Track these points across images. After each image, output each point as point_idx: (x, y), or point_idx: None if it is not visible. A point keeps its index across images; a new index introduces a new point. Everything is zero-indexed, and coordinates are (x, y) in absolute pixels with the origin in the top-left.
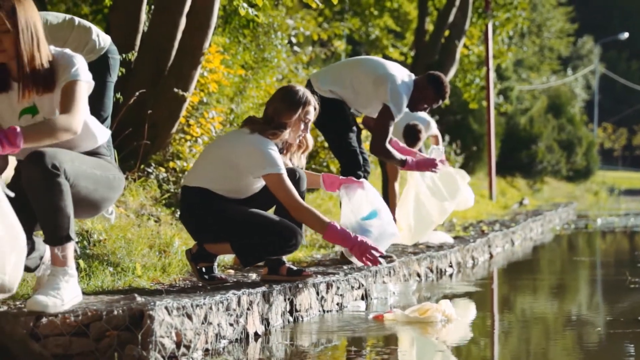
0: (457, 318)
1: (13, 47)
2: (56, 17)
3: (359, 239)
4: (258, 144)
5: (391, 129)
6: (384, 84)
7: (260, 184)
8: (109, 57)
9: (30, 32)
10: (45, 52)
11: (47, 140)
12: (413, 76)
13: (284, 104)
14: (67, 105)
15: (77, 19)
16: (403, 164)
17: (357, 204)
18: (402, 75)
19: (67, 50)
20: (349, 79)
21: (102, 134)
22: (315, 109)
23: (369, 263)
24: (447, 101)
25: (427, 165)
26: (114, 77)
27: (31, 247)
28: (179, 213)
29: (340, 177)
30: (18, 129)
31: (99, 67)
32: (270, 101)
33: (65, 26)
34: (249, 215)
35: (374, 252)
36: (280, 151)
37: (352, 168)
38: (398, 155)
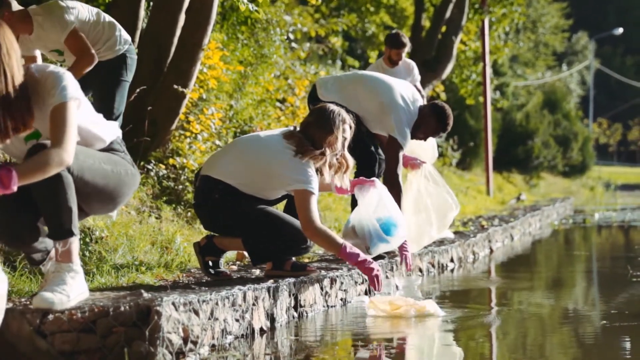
0: (442, 315)
1: None
2: (87, 10)
3: (367, 263)
4: (300, 164)
5: (401, 156)
6: (388, 114)
7: (285, 192)
8: (127, 57)
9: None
10: (18, 82)
11: (41, 177)
12: (419, 102)
13: (321, 126)
14: (57, 135)
15: (102, 14)
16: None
17: (371, 204)
18: (408, 102)
19: (51, 68)
20: (355, 97)
21: (109, 133)
22: (351, 127)
23: (373, 283)
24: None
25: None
26: (129, 77)
27: (35, 238)
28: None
29: (351, 179)
30: (13, 172)
31: (116, 65)
32: (307, 123)
33: (93, 22)
34: (264, 215)
35: (378, 277)
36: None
37: (368, 163)
38: (399, 197)
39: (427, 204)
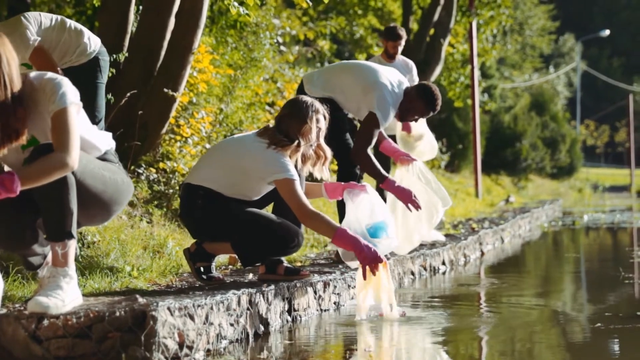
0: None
1: None
2: (49, 19)
3: (367, 246)
4: (273, 154)
5: (375, 137)
6: (371, 92)
7: (267, 189)
8: (99, 59)
9: (2, 79)
10: (16, 89)
11: (45, 181)
12: (405, 84)
13: (294, 117)
14: (60, 140)
15: (68, 22)
16: (382, 179)
17: (362, 210)
18: (393, 83)
19: (49, 75)
20: (340, 85)
21: (103, 142)
22: (325, 117)
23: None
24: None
25: (405, 197)
26: (104, 79)
27: (34, 240)
28: (171, 215)
29: (342, 183)
30: (15, 176)
31: (89, 69)
32: (281, 115)
33: (57, 28)
34: (250, 216)
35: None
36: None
37: (348, 167)
38: (378, 167)
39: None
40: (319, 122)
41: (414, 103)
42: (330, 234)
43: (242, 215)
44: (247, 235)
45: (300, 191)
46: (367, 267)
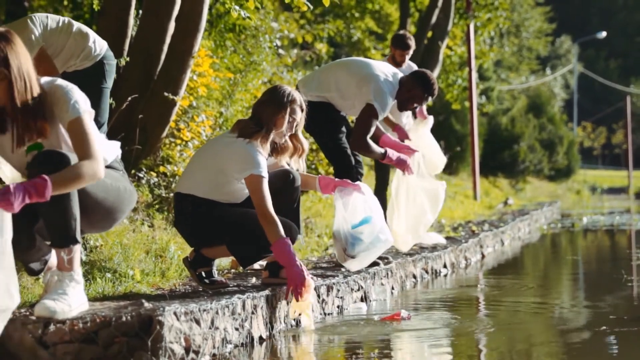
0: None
1: (7, 95)
2: (55, 21)
3: (298, 267)
4: (244, 147)
5: (374, 127)
6: (367, 84)
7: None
8: (104, 63)
9: (23, 79)
10: (37, 92)
11: (73, 188)
12: (399, 75)
13: (270, 104)
14: (84, 149)
15: (75, 24)
16: (383, 156)
17: (351, 210)
18: (387, 74)
19: (60, 82)
20: (334, 82)
21: (110, 153)
22: (302, 109)
23: (292, 293)
24: (429, 101)
25: (401, 164)
26: (109, 83)
27: (31, 245)
28: (172, 218)
29: (336, 179)
30: (49, 182)
31: (94, 73)
32: (257, 102)
33: (64, 32)
34: (241, 216)
35: (304, 288)
36: (272, 153)
37: (345, 170)
38: (377, 148)
39: (418, 191)
40: (295, 112)
41: (412, 91)
42: (273, 240)
43: (232, 217)
44: (238, 235)
45: (266, 189)
46: (294, 290)
